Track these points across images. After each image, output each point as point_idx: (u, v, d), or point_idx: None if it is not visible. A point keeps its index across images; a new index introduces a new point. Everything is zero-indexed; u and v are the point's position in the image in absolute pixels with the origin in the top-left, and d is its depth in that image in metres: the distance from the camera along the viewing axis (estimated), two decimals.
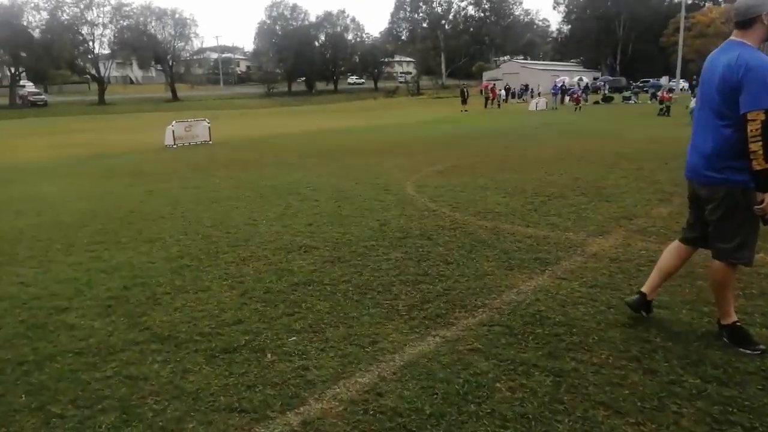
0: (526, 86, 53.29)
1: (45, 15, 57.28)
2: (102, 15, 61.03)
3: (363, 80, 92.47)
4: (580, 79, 52.06)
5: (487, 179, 9.70)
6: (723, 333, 3.34)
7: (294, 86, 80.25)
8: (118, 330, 3.79)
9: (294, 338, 3.58)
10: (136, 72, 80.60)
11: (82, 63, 62.66)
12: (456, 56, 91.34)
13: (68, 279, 4.94)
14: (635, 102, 40.23)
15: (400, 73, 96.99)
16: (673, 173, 9.13)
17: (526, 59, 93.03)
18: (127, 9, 62.93)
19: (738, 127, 3.00)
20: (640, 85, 55.65)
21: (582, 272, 4.69)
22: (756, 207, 3.01)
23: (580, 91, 38.63)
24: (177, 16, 66.70)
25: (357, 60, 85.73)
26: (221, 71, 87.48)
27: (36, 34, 56.66)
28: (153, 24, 65.82)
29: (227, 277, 4.87)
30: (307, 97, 72.89)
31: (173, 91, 65.51)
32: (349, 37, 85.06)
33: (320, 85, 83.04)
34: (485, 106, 39.96)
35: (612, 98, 43.41)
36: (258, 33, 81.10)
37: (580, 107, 33.46)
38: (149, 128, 27.71)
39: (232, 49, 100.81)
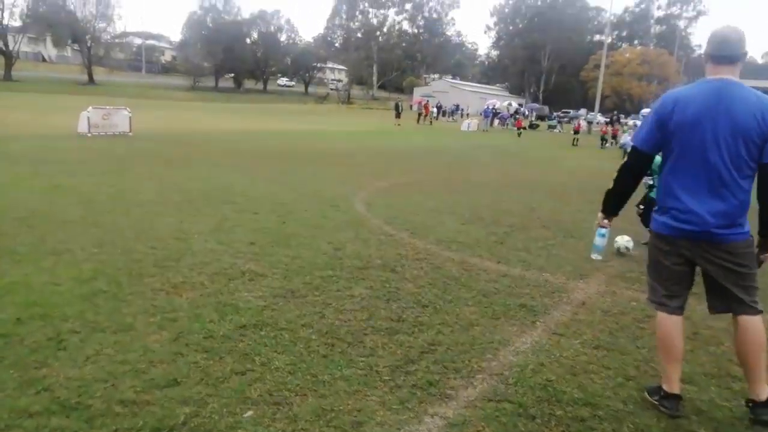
0: (457, 106, 53.99)
1: None
2: None
3: (293, 83, 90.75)
4: (510, 104, 53.34)
5: (437, 201, 9.11)
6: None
7: (221, 82, 77.34)
8: (5, 390, 2.77)
9: (250, 413, 2.72)
10: (49, 50, 74.75)
11: None
12: (388, 69, 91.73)
13: None
14: (560, 131, 41.53)
15: (332, 80, 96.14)
16: (624, 211, 8.90)
17: (455, 79, 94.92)
18: None
19: (752, 178, 2.78)
20: (561, 115, 58.01)
21: (578, 327, 4.11)
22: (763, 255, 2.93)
23: (513, 116, 39.40)
24: None
25: (289, 62, 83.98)
26: (144, 58, 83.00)
27: None
28: (72, 0, 61.32)
29: (155, 312, 3.90)
30: (234, 94, 70.34)
31: (89, 74, 61.18)
32: (283, 38, 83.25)
33: (249, 84, 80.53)
34: (417, 122, 39.89)
35: (538, 125, 44.66)
36: (187, 23, 77.61)
37: (520, 132, 33.91)
38: (61, 111, 25.36)
39: (158, 37, 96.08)
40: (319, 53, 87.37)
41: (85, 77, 60.72)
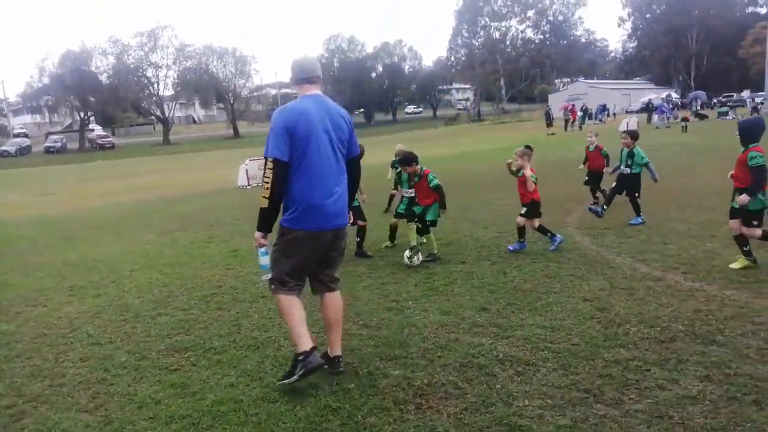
0: (604, 106, 49.92)
1: (112, 59, 58.64)
2: (165, 57, 62.05)
3: (420, 109, 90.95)
4: (668, 95, 48.26)
5: (680, 219, 7.22)
6: None
7: (352, 118, 79.38)
8: None
9: None
10: (198, 111, 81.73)
11: (147, 105, 63.71)
12: (515, 80, 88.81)
13: None
14: (734, 117, 36.42)
15: (458, 100, 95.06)
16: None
17: (588, 79, 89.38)
18: (190, 50, 63.85)
19: None
20: (723, 99, 51.67)
21: None
22: None
23: (674, 109, 35.41)
24: (238, 54, 67.12)
25: (414, 89, 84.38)
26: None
27: (103, 78, 57.91)
28: (214, 63, 66.41)
29: None
30: (365, 128, 71.64)
31: (234, 129, 65.58)
32: (407, 66, 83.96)
33: (378, 116, 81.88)
34: (565, 129, 37.17)
35: (706, 116, 39.61)
36: None
37: (685, 125, 29.94)
38: (216, 166, 26.56)
39: (289, 84, 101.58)
40: (444, 75, 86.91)
41: (231, 132, 65.15)
